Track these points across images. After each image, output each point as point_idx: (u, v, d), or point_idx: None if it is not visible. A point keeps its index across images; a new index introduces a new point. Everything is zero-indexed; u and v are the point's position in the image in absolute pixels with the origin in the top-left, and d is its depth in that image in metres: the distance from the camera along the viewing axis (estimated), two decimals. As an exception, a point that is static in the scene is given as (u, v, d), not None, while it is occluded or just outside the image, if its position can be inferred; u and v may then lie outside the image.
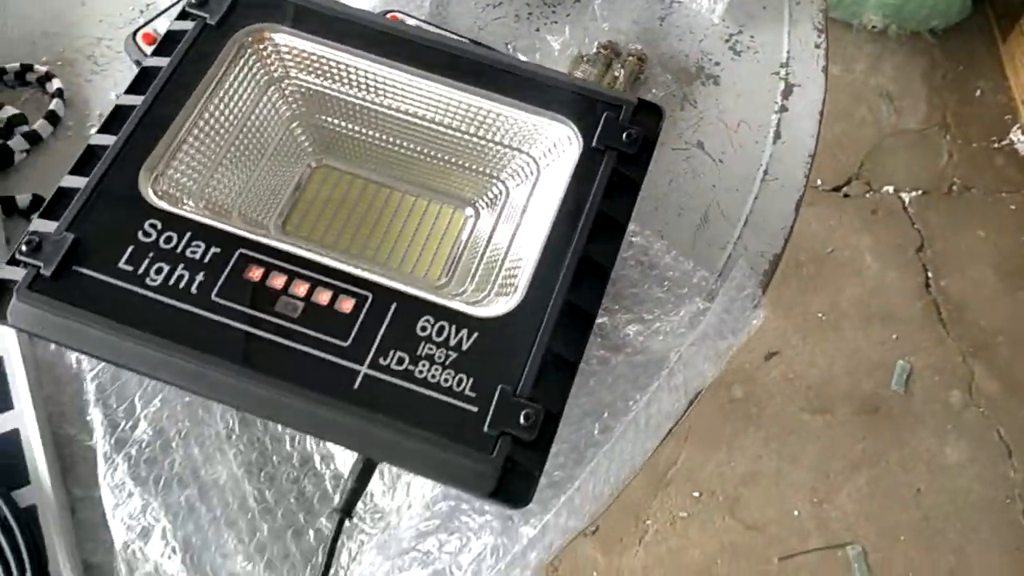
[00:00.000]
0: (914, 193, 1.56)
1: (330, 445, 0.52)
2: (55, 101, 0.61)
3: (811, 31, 0.67)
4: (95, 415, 0.51)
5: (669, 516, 1.30)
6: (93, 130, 0.62)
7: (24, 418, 0.50)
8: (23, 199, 0.58)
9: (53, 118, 0.61)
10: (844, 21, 1.63)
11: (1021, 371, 1.42)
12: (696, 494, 1.31)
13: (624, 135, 0.52)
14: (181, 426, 0.51)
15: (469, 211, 0.58)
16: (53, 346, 0.53)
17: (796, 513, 1.30)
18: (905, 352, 1.42)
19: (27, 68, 0.63)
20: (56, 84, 0.62)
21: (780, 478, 1.32)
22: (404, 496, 0.49)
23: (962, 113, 1.64)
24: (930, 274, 1.49)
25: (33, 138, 0.60)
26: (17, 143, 0.60)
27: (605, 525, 1.28)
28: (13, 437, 0.50)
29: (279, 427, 0.53)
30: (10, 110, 0.61)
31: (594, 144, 0.52)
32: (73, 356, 0.53)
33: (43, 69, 0.63)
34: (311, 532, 0.50)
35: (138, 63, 0.63)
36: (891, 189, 1.57)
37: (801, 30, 0.67)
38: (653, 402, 0.49)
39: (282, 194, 0.58)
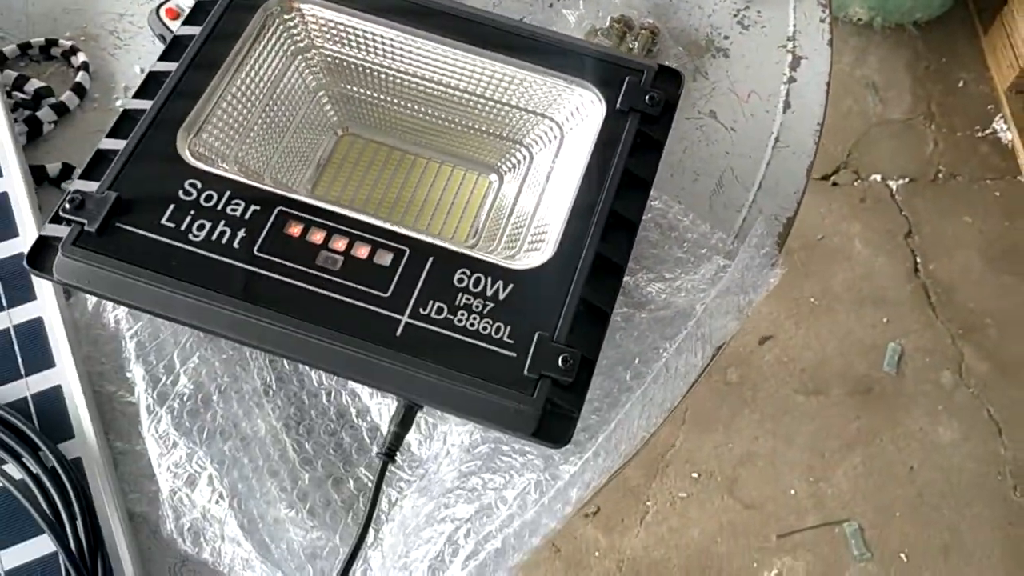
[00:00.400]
0: (901, 181, 1.59)
1: (364, 398, 0.53)
2: (81, 74, 0.62)
3: (815, 6, 0.70)
4: (136, 371, 0.52)
5: (669, 497, 1.31)
6: (118, 102, 0.63)
7: (66, 375, 0.52)
8: (53, 168, 0.59)
9: (80, 90, 0.62)
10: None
11: (1009, 352, 1.45)
12: (695, 475, 1.33)
13: (647, 98, 0.54)
14: (220, 382, 0.52)
15: (493, 177, 0.60)
16: (90, 308, 0.54)
17: (793, 492, 1.33)
18: (896, 334, 1.45)
19: (52, 43, 0.64)
20: (81, 57, 0.63)
21: (776, 458, 1.35)
22: (441, 445, 0.51)
23: (946, 103, 1.67)
24: (918, 259, 1.52)
25: (61, 109, 0.61)
26: (45, 114, 0.61)
27: (606, 506, 1.30)
28: (56, 393, 0.51)
29: (315, 383, 0.54)
30: (36, 83, 0.62)
31: (618, 106, 0.54)
32: (111, 316, 0.54)
33: (68, 43, 0.64)
34: (351, 481, 0.51)
35: (162, 37, 0.64)
36: (879, 177, 1.60)
37: (806, 5, 0.70)
38: (681, 351, 0.51)
39: (310, 161, 0.59)
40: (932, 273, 1.51)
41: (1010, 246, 1.54)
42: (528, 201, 0.57)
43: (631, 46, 0.66)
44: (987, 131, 1.65)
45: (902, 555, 1.29)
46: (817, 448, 1.36)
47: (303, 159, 0.59)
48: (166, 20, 0.63)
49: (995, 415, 1.40)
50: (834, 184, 1.58)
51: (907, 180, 1.60)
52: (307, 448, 0.52)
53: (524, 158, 0.59)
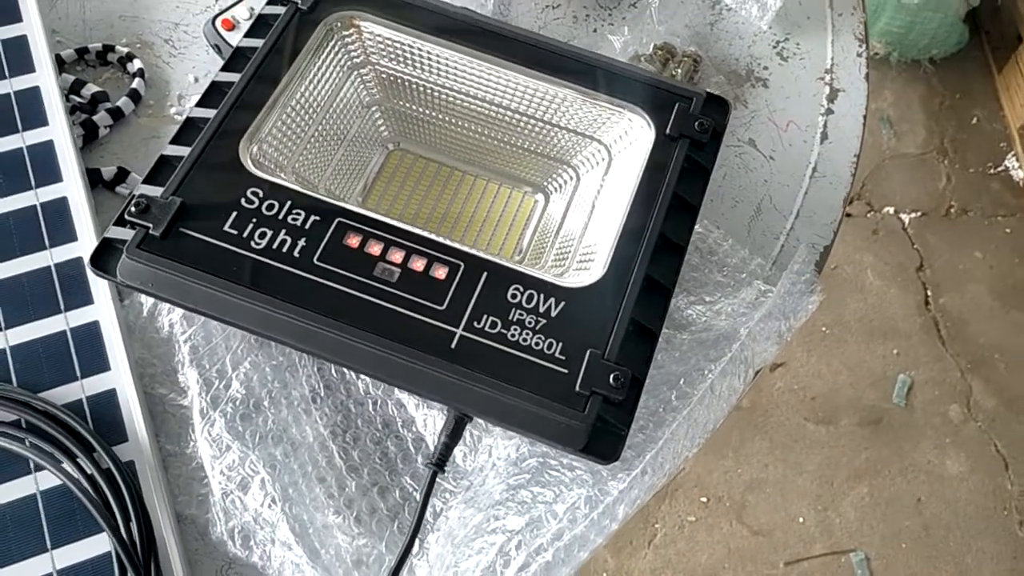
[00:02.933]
0: (913, 214, 1.61)
1: (410, 409, 0.54)
2: (137, 80, 0.64)
3: (852, 40, 0.71)
4: (190, 375, 0.53)
5: (678, 520, 1.32)
6: (172, 109, 0.64)
7: (121, 378, 0.52)
8: (108, 171, 0.60)
9: (135, 96, 0.63)
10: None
11: (1017, 387, 1.46)
12: (704, 500, 1.34)
13: (696, 124, 0.56)
14: (271, 387, 0.53)
15: (539, 196, 0.61)
16: (145, 312, 0.55)
17: (801, 520, 1.33)
18: (906, 366, 1.46)
19: (108, 49, 0.65)
20: (137, 64, 0.65)
21: (785, 485, 1.35)
22: (486, 458, 0.52)
23: (959, 139, 1.69)
24: (929, 292, 1.54)
25: (116, 114, 0.62)
26: (102, 119, 0.62)
27: (616, 528, 1.30)
28: (110, 397, 0.52)
29: (361, 392, 0.55)
30: (93, 87, 0.63)
31: (668, 132, 0.55)
32: (165, 321, 0.55)
33: (124, 50, 0.65)
34: (396, 490, 0.52)
35: (217, 48, 0.65)
36: (891, 210, 1.61)
37: (843, 39, 0.71)
38: (725, 373, 0.52)
39: (361, 175, 0.60)
40: (942, 307, 1.53)
41: (1020, 282, 1.55)
42: (575, 221, 0.58)
43: (674, 73, 0.67)
44: (999, 168, 1.67)
45: (908, 586, 1.30)
46: (826, 477, 1.37)
47: (355, 172, 0.60)
48: (222, 31, 0.65)
49: (1002, 450, 1.41)
50: (848, 215, 1.60)
51: (919, 214, 1.61)
52: (353, 456, 0.53)
53: (571, 178, 0.60)
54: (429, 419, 0.54)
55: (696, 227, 0.62)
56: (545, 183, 0.61)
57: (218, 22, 0.65)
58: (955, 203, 1.63)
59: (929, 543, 1.33)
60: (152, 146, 0.62)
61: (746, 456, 1.37)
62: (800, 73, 0.70)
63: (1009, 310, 1.53)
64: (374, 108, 0.61)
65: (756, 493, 1.35)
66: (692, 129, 0.55)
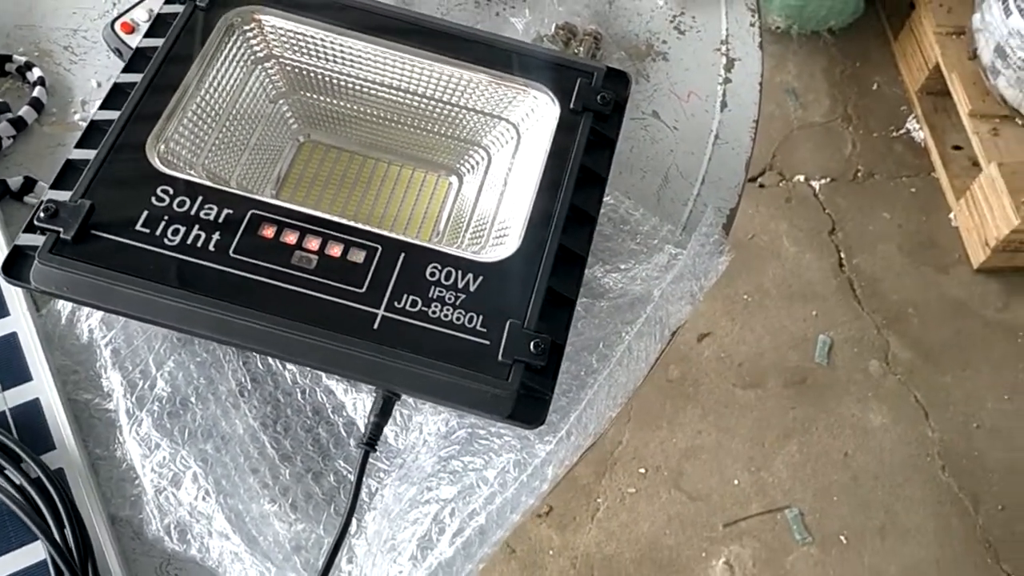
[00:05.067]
0: (823, 181, 1.67)
1: (339, 394, 0.55)
2: (38, 88, 0.63)
3: (745, 12, 0.74)
4: (113, 377, 0.53)
5: (618, 493, 1.35)
6: (76, 116, 0.64)
7: (44, 388, 0.52)
8: (15, 182, 0.60)
9: (37, 105, 0.62)
10: (749, 23, 1.73)
11: (931, 339, 1.53)
12: (642, 471, 1.37)
13: (599, 97, 0.57)
14: (197, 384, 0.53)
15: (453, 178, 0.62)
16: (63, 319, 0.55)
17: (736, 482, 1.37)
18: (825, 327, 1.52)
19: (5, 59, 0.64)
20: (37, 73, 0.64)
21: (719, 450, 1.39)
22: (417, 435, 0.53)
23: (862, 105, 1.76)
24: (842, 254, 1.59)
25: (19, 124, 0.61)
26: (4, 129, 0.61)
27: (558, 505, 1.33)
28: (35, 406, 0.52)
29: (289, 382, 0.55)
30: (-8, 99, 0.62)
31: (572, 107, 0.57)
32: (84, 327, 0.54)
33: (22, 59, 0.64)
34: (331, 474, 0.53)
35: (118, 51, 0.65)
36: (802, 178, 1.67)
37: (736, 11, 0.74)
38: (641, 334, 0.54)
39: (273, 168, 0.61)
40: (856, 267, 1.58)
41: (927, 239, 1.62)
42: (489, 200, 0.59)
43: (576, 51, 0.69)
44: (901, 131, 1.74)
45: (841, 537, 1.35)
46: (757, 439, 1.41)
47: (267, 166, 0.60)
48: (121, 34, 0.64)
49: (921, 400, 1.47)
50: (761, 186, 1.64)
51: (829, 180, 1.67)
52: (285, 445, 0.53)
53: (482, 159, 0.62)
54: (359, 403, 0.55)
55: (607, 198, 0.64)
56: (458, 165, 0.62)
57: (117, 26, 0.64)
58: (862, 167, 1.69)
59: (859, 494, 1.38)
60: (58, 154, 0.62)
61: (680, 425, 1.41)
62: (697, 45, 0.72)
63: (919, 266, 1.59)
64: (281, 101, 0.62)
65: (692, 460, 1.39)
66: (595, 102, 0.57)
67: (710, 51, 0.72)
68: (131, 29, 0.65)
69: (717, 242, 0.61)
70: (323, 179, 0.61)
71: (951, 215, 1.64)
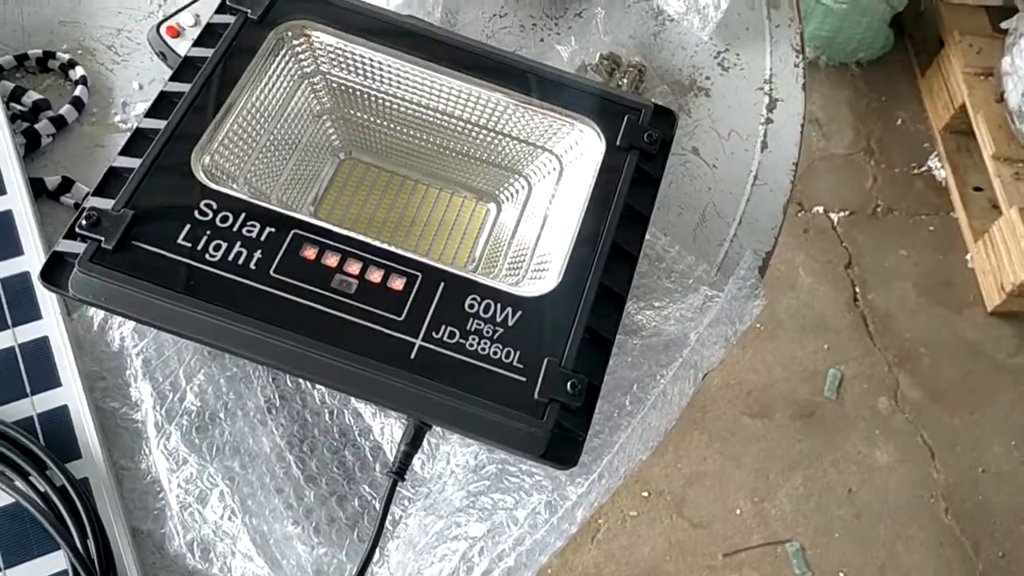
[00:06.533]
0: (842, 214, 1.66)
1: (367, 418, 0.55)
2: (79, 87, 0.63)
3: (790, 51, 0.74)
4: (143, 388, 0.52)
5: (620, 515, 1.34)
6: (117, 117, 0.63)
7: (73, 394, 0.52)
8: (52, 181, 0.59)
9: (78, 104, 0.62)
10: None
11: (941, 380, 1.53)
12: (645, 494, 1.37)
13: (645, 135, 0.57)
14: (226, 399, 0.53)
15: (491, 205, 0.62)
16: (95, 326, 0.54)
17: (739, 511, 1.37)
18: (836, 361, 1.51)
19: (49, 55, 0.64)
20: (80, 71, 0.63)
21: (723, 478, 1.39)
22: (444, 465, 0.52)
23: (885, 140, 1.75)
24: (857, 289, 1.59)
25: (59, 123, 0.61)
26: (44, 127, 0.61)
27: (560, 525, 1.32)
28: (63, 413, 0.51)
29: (317, 401, 0.55)
30: (34, 95, 0.62)
31: (618, 143, 0.56)
32: (116, 334, 0.54)
33: (66, 56, 0.64)
34: (355, 499, 0.52)
35: (162, 55, 0.64)
36: (821, 209, 1.67)
37: (781, 50, 0.74)
38: (676, 378, 0.53)
39: (313, 184, 0.60)
40: (870, 303, 1.58)
41: (943, 279, 1.62)
42: (528, 231, 0.59)
43: (620, 83, 0.68)
44: (922, 168, 1.74)
45: (841, 574, 1.34)
46: (762, 469, 1.41)
47: (307, 182, 0.60)
48: (167, 38, 0.64)
49: (928, 440, 1.47)
50: (779, 214, 1.64)
51: (848, 213, 1.67)
52: (311, 466, 0.53)
53: (523, 188, 0.61)
54: (386, 427, 0.54)
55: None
56: (497, 192, 0.62)
57: (162, 29, 0.64)
58: (881, 202, 1.69)
59: (861, 531, 1.37)
60: (97, 155, 0.61)
61: (685, 451, 1.40)
62: (740, 83, 0.72)
63: (933, 305, 1.59)
64: (325, 117, 0.61)
65: (695, 487, 1.38)
66: (641, 140, 0.57)
67: (753, 90, 0.72)
68: (176, 33, 0.64)
69: (753, 286, 0.61)
70: (361, 198, 0.61)
71: (968, 256, 1.64)
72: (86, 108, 0.63)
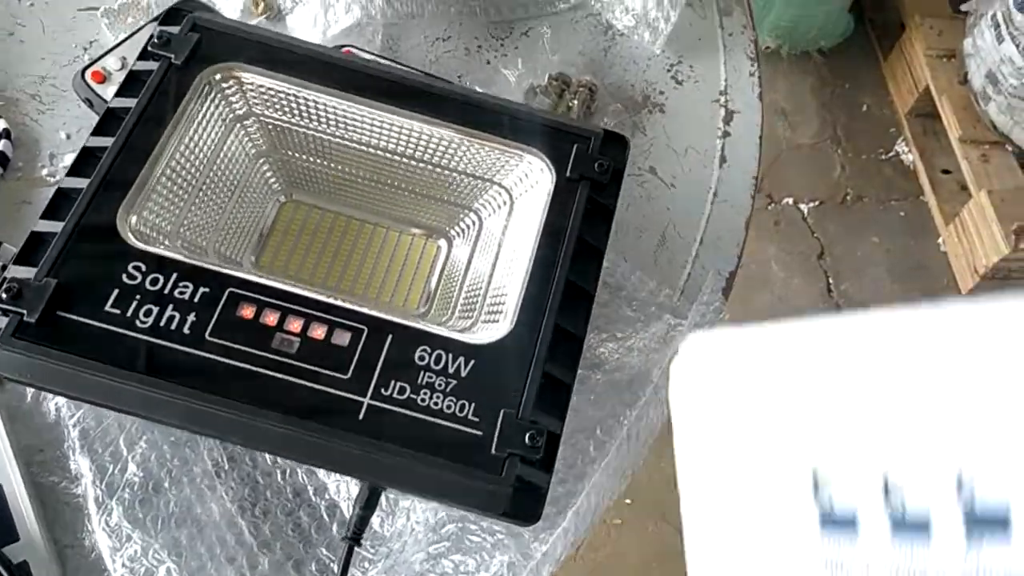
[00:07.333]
0: (812, 204, 1.65)
1: (321, 475, 0.52)
2: (3, 142, 0.60)
3: (745, 60, 0.72)
4: (82, 462, 0.50)
5: (604, 525, 1.33)
6: (44, 170, 0.61)
7: (7, 473, 0.49)
8: (-23, 243, 0.56)
9: (2, 159, 0.59)
10: (739, 42, 1.71)
11: (917, 367, 1.51)
12: (628, 501, 1.35)
13: (596, 165, 0.55)
14: (170, 466, 0.50)
15: (442, 241, 0.59)
16: (28, 396, 0.52)
17: (724, 515, 1.35)
18: (814, 354, 1.50)
19: (-30, 109, 0.61)
20: (2, 124, 0.60)
21: (707, 482, 1.37)
22: (404, 521, 0.50)
23: (851, 127, 1.74)
24: (831, 279, 1.58)
25: (-17, 180, 0.58)
26: (-34, 186, 0.58)
27: (544, 539, 1.30)
28: (-4, 493, 0.49)
29: (269, 461, 0.53)
30: (-45, 152, 0.59)
31: (568, 175, 0.54)
32: (51, 405, 0.51)
33: (-13, 109, 0.61)
34: (312, 563, 0.50)
35: (89, 101, 0.61)
36: (791, 201, 1.65)
37: (735, 59, 0.71)
38: (641, 416, 0.51)
39: (254, 231, 0.58)
40: (845, 292, 1.57)
41: (916, 264, 1.61)
42: (481, 266, 0.57)
43: (570, 104, 0.66)
44: (890, 153, 1.72)
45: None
46: (745, 469, 1.39)
47: (246, 228, 0.57)
48: (92, 84, 0.61)
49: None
50: (749, 208, 1.63)
51: (817, 203, 1.65)
52: (264, 531, 0.51)
53: (473, 223, 0.59)
54: (342, 484, 0.52)
55: (603, 261, 0.61)
56: (447, 228, 0.60)
57: (88, 74, 0.61)
58: (850, 190, 1.68)
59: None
60: (24, 213, 0.58)
61: (667, 455, 1.38)
62: (695, 96, 0.70)
63: (907, 291, 1.58)
64: (262, 160, 0.59)
65: (678, 491, 1.36)
66: (592, 170, 0.55)
67: (708, 102, 0.70)
68: (103, 78, 0.61)
69: (717, 310, 0.59)
70: (306, 242, 0.58)
71: (940, 240, 1.63)
72: (10, 163, 0.60)
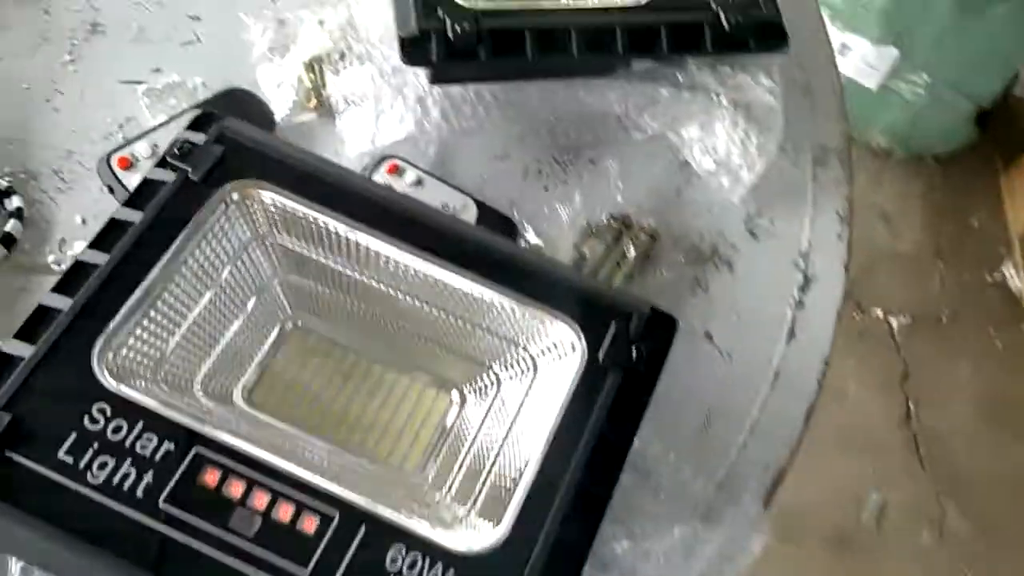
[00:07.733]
0: (903, 319, 1.54)
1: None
2: (12, 222, 0.56)
3: (834, 220, 0.64)
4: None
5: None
6: (51, 257, 0.57)
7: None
8: (-34, 333, 0.53)
9: (8, 240, 0.56)
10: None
11: (993, 513, 1.39)
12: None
13: (633, 351, 0.48)
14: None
15: (455, 395, 0.54)
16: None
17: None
18: (879, 484, 1.39)
19: (-15, 181, 0.58)
20: (15, 202, 0.57)
21: (744, 609, 1.28)
22: None
23: (957, 241, 1.62)
24: (911, 406, 1.47)
25: (-16, 262, 0.55)
26: (-34, 267, 0.54)
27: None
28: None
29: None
30: (-43, 228, 0.56)
31: (600, 360, 0.48)
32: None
33: (3, 183, 0.57)
34: None
35: (110, 188, 0.57)
36: (880, 312, 1.54)
37: (824, 218, 0.64)
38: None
39: (252, 360, 0.53)
40: (924, 422, 1.45)
41: (1009, 402, 1.48)
42: (493, 434, 0.51)
43: (626, 249, 0.59)
44: (996, 275, 1.60)
45: None
46: (786, 601, 1.29)
47: (244, 356, 0.52)
48: (117, 170, 0.57)
49: (974, 581, 1.34)
50: (833, 314, 1.52)
51: (909, 318, 1.54)
52: None
53: (491, 384, 0.53)
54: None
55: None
56: (462, 384, 0.54)
57: (114, 160, 0.57)
58: (947, 309, 1.56)
59: None
60: (21, 302, 0.55)
61: None
62: (771, 255, 0.62)
63: (994, 431, 1.45)
64: (273, 283, 0.54)
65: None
66: (627, 357, 0.48)
67: (785, 264, 0.62)
68: (128, 164, 0.57)
69: (752, 522, 0.52)
70: (307, 377, 0.53)
71: (1039, 380, 1.50)
72: (17, 244, 0.56)
